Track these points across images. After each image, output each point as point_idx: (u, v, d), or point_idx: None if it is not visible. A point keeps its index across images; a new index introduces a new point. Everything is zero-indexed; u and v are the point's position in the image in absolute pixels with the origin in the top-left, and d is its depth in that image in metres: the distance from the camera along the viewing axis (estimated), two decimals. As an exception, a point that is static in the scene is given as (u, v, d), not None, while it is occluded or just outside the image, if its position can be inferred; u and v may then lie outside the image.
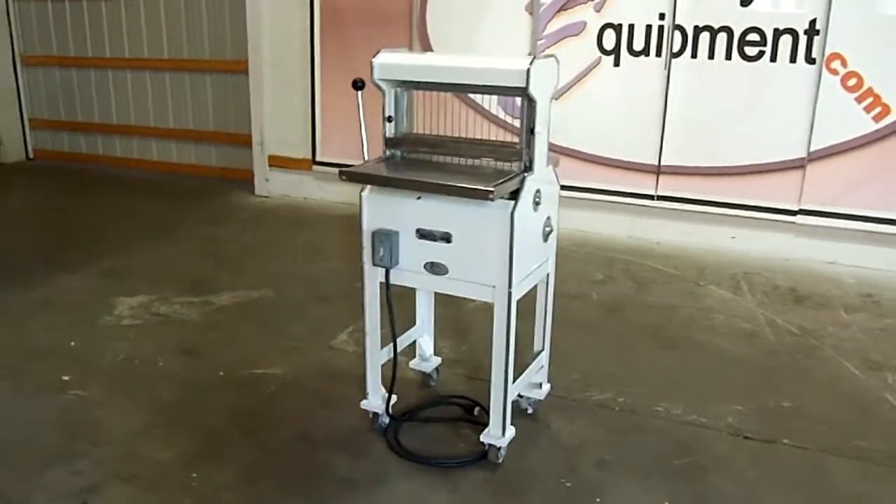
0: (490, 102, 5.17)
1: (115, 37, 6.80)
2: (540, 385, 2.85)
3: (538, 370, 2.83)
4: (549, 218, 2.55)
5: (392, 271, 2.52)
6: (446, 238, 2.40)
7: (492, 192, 2.16)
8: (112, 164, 7.20)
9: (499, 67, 2.30)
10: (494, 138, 2.61)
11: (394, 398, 2.77)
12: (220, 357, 3.32)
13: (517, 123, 5.10)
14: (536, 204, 2.42)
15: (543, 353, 2.83)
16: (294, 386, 3.09)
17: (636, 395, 3.03)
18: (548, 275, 2.70)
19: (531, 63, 2.21)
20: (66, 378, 3.12)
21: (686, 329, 3.69)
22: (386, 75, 2.47)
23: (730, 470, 2.56)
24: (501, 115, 5.20)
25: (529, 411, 2.86)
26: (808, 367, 3.32)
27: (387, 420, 2.73)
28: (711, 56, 4.63)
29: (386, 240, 2.44)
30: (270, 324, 3.69)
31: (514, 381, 2.52)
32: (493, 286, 2.37)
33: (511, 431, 2.55)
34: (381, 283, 2.55)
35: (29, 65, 7.28)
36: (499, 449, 2.52)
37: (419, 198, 2.40)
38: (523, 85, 2.22)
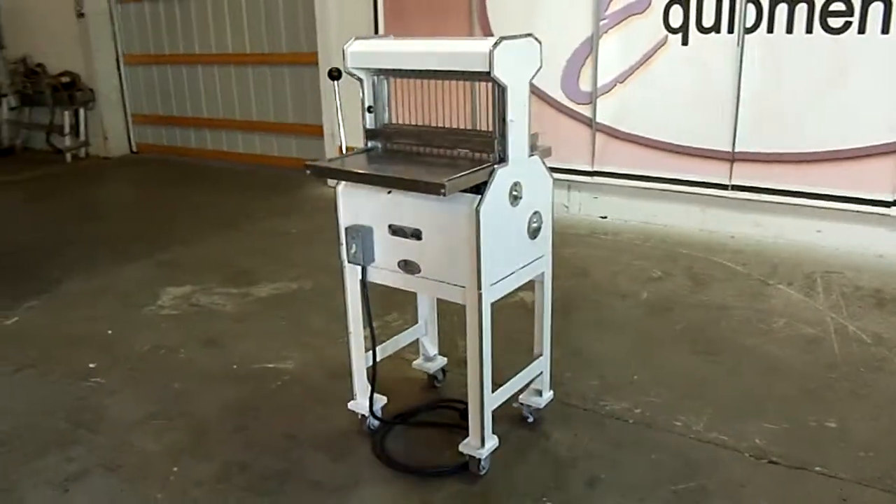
0: (553, 87, 4.94)
1: (203, 33, 7.06)
2: (540, 392, 2.64)
3: (537, 376, 2.62)
4: (536, 213, 2.34)
5: (370, 269, 2.40)
6: (417, 235, 2.25)
7: (443, 185, 1.99)
8: (203, 157, 7.50)
9: (462, 51, 2.12)
10: (476, 129, 2.39)
11: (383, 400, 2.67)
12: (239, 349, 3.33)
13: (581, 110, 4.87)
14: (515, 198, 2.22)
15: (542, 359, 2.62)
16: (300, 382, 3.04)
17: (656, 406, 2.76)
18: (543, 274, 2.49)
19: (495, 45, 2.01)
20: (92, 366, 3.23)
21: (735, 333, 3.34)
22: (358, 63, 2.35)
23: (738, 498, 2.26)
24: (565, 100, 4.94)
25: (530, 420, 2.66)
26: (870, 382, 2.90)
27: (375, 422, 2.63)
28: (790, 30, 4.16)
29: (357, 236, 2.33)
30: (297, 317, 3.67)
31: (493, 390, 2.33)
32: (464, 287, 2.20)
33: (492, 442, 2.37)
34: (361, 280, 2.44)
35: (130, 63, 7.70)
36: (479, 460, 2.35)
37: (389, 192, 2.26)
38: (486, 69, 2.03)
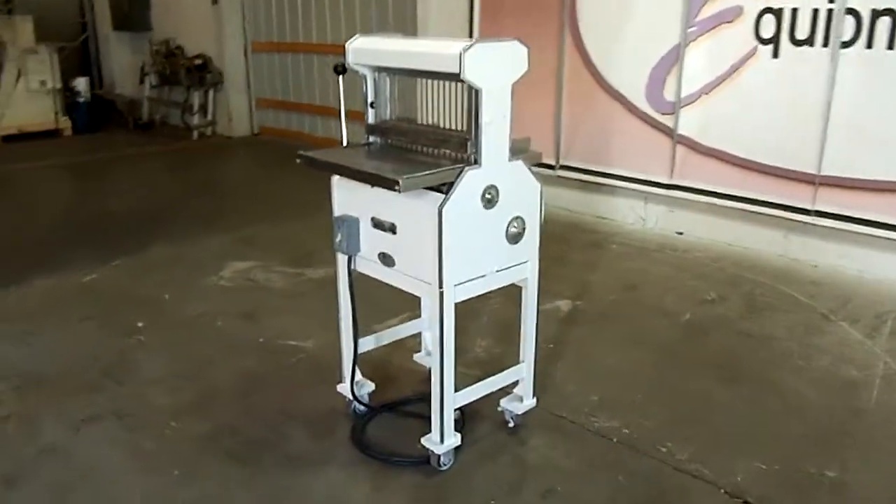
0: (637, 94, 4.85)
1: (320, 23, 7.44)
2: (521, 399, 2.66)
3: (516, 383, 2.64)
4: (518, 219, 2.36)
5: (358, 259, 2.53)
6: (392, 229, 2.35)
7: (398, 182, 2.07)
8: (314, 143, 7.91)
9: (435, 52, 2.18)
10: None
11: (371, 386, 2.79)
12: (271, 324, 3.56)
13: (664, 120, 4.74)
14: (489, 201, 2.26)
15: (523, 366, 2.63)
16: (314, 361, 3.22)
17: (647, 429, 2.69)
18: (526, 280, 2.51)
19: (467, 47, 2.07)
20: (140, 325, 3.57)
21: (768, 366, 3.17)
22: (358, 60, 2.46)
23: (692, 533, 2.19)
24: (648, 109, 4.83)
25: (511, 424, 2.69)
26: (897, 434, 2.69)
27: (361, 407, 2.75)
28: (892, 45, 3.86)
29: (343, 226, 2.46)
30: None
31: (456, 389, 2.39)
32: (429, 284, 2.27)
33: (453, 440, 2.43)
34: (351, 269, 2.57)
35: (255, 51, 8.26)
36: (438, 456, 2.41)
37: (373, 186, 2.37)
38: (457, 71, 2.09)
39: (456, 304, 2.29)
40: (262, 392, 2.97)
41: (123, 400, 2.91)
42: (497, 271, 2.39)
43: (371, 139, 2.60)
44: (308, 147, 7.71)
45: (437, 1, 5.97)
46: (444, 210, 2.15)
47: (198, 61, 8.27)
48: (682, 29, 4.56)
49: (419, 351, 3.04)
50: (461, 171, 2.18)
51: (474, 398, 2.52)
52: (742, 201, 4.52)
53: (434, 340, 2.32)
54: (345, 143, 2.61)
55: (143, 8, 8.95)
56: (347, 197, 2.49)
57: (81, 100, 8.68)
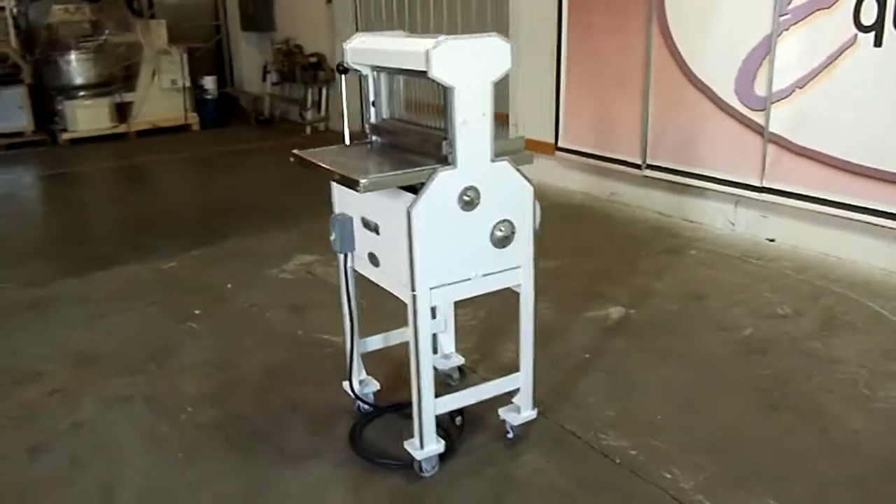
0: (725, 89, 4.55)
1: (424, 17, 7.50)
2: (519, 410, 2.58)
3: (515, 392, 2.56)
4: (505, 222, 2.29)
5: (355, 258, 2.55)
6: (376, 229, 2.35)
7: (358, 182, 2.06)
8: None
9: (406, 50, 2.15)
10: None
11: (376, 385, 2.81)
12: (314, 318, 3.66)
13: (754, 116, 4.42)
14: (468, 204, 2.20)
15: (520, 375, 2.55)
16: (339, 356, 3.23)
17: (657, 452, 2.53)
18: (520, 286, 2.42)
19: (435, 44, 2.03)
20: (196, 312, 3.79)
21: (825, 393, 2.88)
22: (355, 59, 2.48)
23: (666, 568, 2.04)
24: (737, 104, 4.52)
25: (510, 435, 2.61)
26: (954, 482, 2.36)
27: (365, 406, 2.77)
28: None
29: (337, 224, 2.49)
30: (384, 298, 3.89)
31: (436, 395, 2.36)
32: (405, 285, 2.25)
33: (435, 447, 2.40)
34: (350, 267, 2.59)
35: (368, 47, 8.49)
36: (419, 462, 2.39)
37: (342, 185, 2.37)
38: (425, 69, 2.05)
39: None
40: (280, 383, 3.07)
41: (156, 384, 3.10)
42: (484, 276, 2.32)
43: (373, 138, 2.61)
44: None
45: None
46: (412, 211, 2.12)
47: (312, 59, 8.62)
48: (773, 17, 4.21)
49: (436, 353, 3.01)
50: (433, 172, 2.14)
51: (457, 406, 2.48)
52: (839, 207, 4.11)
53: (412, 345, 2.29)
54: (347, 142, 2.63)
55: (268, 9, 9.45)
56: (344, 196, 2.51)
57: (209, 97, 9.30)
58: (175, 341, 3.49)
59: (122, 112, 8.74)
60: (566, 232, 4.93)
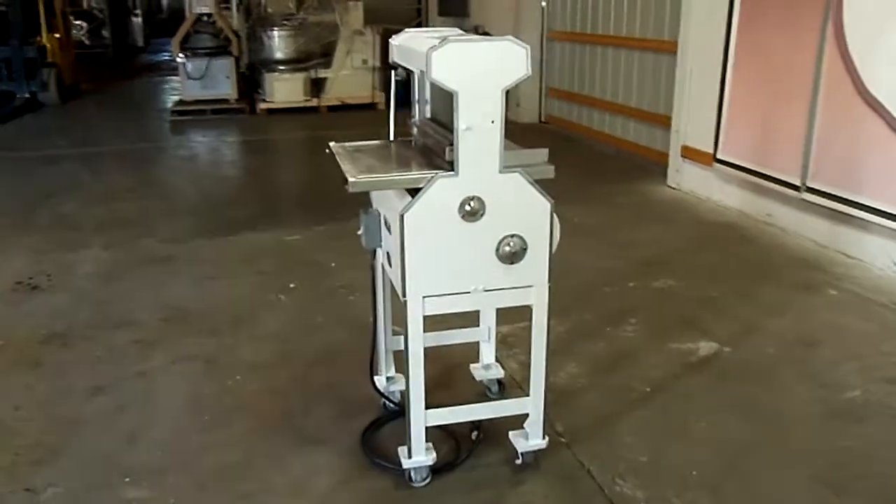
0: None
1: (618, 15, 7.20)
2: (527, 436, 2.44)
3: (524, 417, 2.43)
4: (514, 237, 2.16)
5: (382, 254, 2.55)
6: (389, 228, 2.33)
7: (347, 183, 2.05)
8: (597, 139, 7.77)
9: (416, 49, 2.08)
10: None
11: (401, 384, 2.78)
12: (394, 308, 3.69)
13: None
14: (471, 214, 2.11)
15: (528, 400, 2.41)
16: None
17: (672, 511, 2.29)
18: (533, 307, 2.28)
19: (437, 46, 1.96)
20: (291, 286, 3.99)
21: (908, 481, 2.44)
22: (396, 56, 2.46)
23: None
24: (914, 127, 3.90)
25: (518, 461, 2.48)
26: None
27: (390, 404, 2.77)
28: None
29: (364, 219, 2.48)
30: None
31: (426, 406, 2.30)
32: (402, 289, 2.21)
33: (422, 458, 2.34)
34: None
35: (552, 39, 8.35)
36: (408, 470, 2.36)
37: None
38: (426, 70, 1.98)
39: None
40: (328, 367, 3.15)
41: (223, 348, 3.32)
42: (487, 291, 2.22)
43: (417, 137, 2.58)
44: (580, 138, 7.68)
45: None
46: (406, 215, 2.08)
47: (496, 47, 8.63)
48: (968, 29, 3.57)
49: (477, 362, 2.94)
50: (432, 178, 2.07)
51: (448, 421, 2.41)
52: None
53: (407, 354, 2.26)
54: (391, 138, 2.62)
55: (464, -5, 9.60)
56: (377, 193, 2.50)
57: (398, 78, 9.62)
58: (259, 311, 3.70)
59: (315, 87, 9.36)
60: (697, 251, 4.57)
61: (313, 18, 8.96)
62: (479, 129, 2.06)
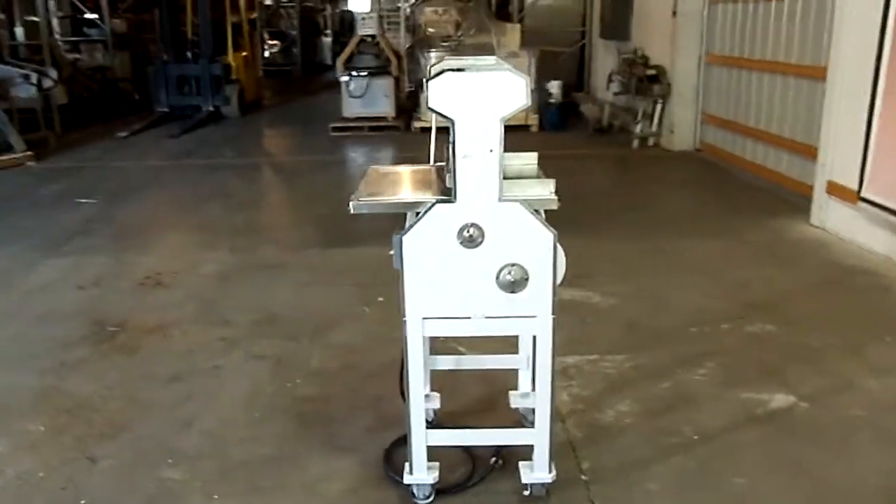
0: None
1: (778, 39, 6.81)
2: (532, 468, 2.44)
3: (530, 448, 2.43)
4: (515, 267, 2.20)
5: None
6: (403, 246, 2.44)
7: (350, 202, 2.19)
8: (738, 165, 7.41)
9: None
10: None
11: (436, 402, 2.87)
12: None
13: None
14: (470, 241, 2.18)
15: (534, 432, 2.41)
16: (467, 374, 3.29)
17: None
18: (535, 338, 2.30)
19: (434, 76, 2.06)
20: (380, 299, 4.18)
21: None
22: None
23: None
24: None
25: (526, 493, 2.48)
26: None
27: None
28: None
29: (395, 241, 2.56)
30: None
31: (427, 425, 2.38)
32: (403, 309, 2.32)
33: (423, 476, 2.42)
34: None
35: (709, 63, 8.04)
36: (410, 486, 2.45)
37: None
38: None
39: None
40: (385, 380, 3.19)
41: (295, 352, 3.57)
42: (488, 318, 2.27)
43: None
44: (738, 172, 7.31)
45: (851, 19, 5.07)
46: (404, 239, 2.19)
47: (651, 71, 8.46)
48: None
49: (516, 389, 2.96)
50: (432, 205, 2.17)
51: (448, 443, 2.48)
52: None
53: (406, 369, 2.36)
54: (431, 163, 2.74)
55: (625, 18, 9.48)
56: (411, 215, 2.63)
57: (552, 101, 9.72)
58: (343, 320, 3.94)
59: (469, 107, 9.63)
60: (816, 296, 4.25)
61: (470, 41, 9.26)
62: (476, 158, 2.12)
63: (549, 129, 9.68)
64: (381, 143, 9.23)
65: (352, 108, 9.75)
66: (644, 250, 5.05)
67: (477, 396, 3.11)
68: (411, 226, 2.19)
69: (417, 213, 2.21)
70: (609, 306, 4.10)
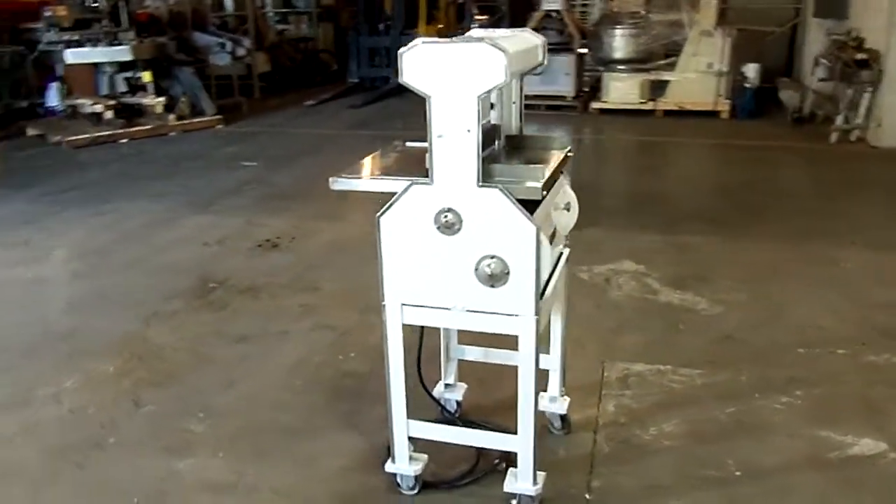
0: None
1: None
2: (516, 476, 2.30)
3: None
4: (495, 259, 2.07)
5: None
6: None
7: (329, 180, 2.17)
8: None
9: None
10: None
11: (459, 393, 2.80)
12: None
13: None
14: (448, 227, 2.08)
15: (515, 439, 2.26)
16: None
17: None
18: (518, 339, 2.15)
19: (409, 47, 1.97)
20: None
21: None
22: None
23: None
24: None
25: (514, 502, 2.34)
26: None
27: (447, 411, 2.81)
28: None
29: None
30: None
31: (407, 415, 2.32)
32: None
33: (405, 467, 2.38)
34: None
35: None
36: (395, 475, 2.41)
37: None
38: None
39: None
40: (434, 365, 3.25)
41: (360, 326, 3.60)
42: (469, 311, 2.16)
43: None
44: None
45: None
46: (381, 219, 2.14)
47: (861, 55, 7.49)
48: None
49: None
50: (408, 186, 2.09)
51: (427, 437, 2.42)
52: None
53: (386, 359, 2.31)
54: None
55: (845, -8, 8.45)
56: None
57: (748, 85, 8.93)
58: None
59: (654, 89, 9.14)
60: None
61: (658, 17, 8.74)
62: (452, 138, 2.01)
63: (741, 116, 8.90)
64: (556, 123, 9.01)
65: (530, 84, 9.60)
66: (789, 258, 4.52)
67: (511, 393, 2.96)
68: (389, 206, 2.12)
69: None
70: (712, 314, 3.73)
